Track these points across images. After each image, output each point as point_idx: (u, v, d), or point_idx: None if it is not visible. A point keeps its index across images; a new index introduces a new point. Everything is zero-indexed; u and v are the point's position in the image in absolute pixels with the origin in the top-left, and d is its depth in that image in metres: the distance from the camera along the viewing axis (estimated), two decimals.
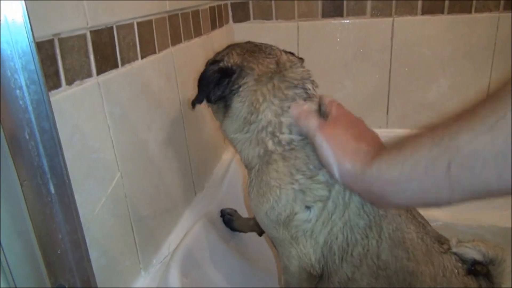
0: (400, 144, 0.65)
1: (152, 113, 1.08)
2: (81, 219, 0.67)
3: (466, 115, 0.55)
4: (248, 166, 0.96)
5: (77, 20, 0.78)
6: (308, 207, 0.87)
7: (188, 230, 1.16)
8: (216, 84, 0.94)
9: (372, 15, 1.74)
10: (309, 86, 0.94)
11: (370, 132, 0.82)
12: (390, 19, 1.72)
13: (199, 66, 1.43)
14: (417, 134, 0.63)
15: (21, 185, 0.56)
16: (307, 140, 0.86)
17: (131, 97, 0.97)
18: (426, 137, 0.60)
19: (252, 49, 0.99)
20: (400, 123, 1.86)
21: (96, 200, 0.84)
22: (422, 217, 0.95)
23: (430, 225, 0.95)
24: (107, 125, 0.88)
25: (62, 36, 0.73)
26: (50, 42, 0.71)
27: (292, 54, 1.03)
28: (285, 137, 0.88)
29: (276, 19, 1.82)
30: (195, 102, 0.99)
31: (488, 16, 1.65)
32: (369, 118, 2.02)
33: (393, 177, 0.65)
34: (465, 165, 0.53)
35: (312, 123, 0.82)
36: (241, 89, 0.92)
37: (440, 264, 0.89)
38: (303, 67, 0.98)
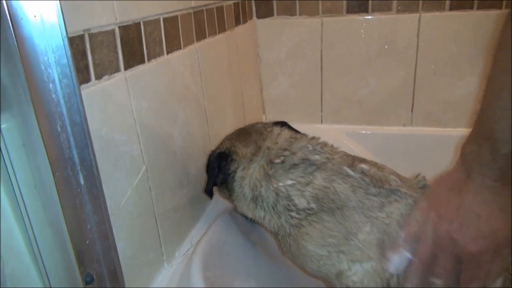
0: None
1: (177, 107, 1.09)
2: (108, 211, 0.69)
3: None
4: (278, 233, 0.96)
5: (106, 16, 0.79)
6: (353, 262, 0.85)
7: (211, 224, 1.17)
8: (219, 168, 1.02)
9: (398, 11, 1.71)
10: (303, 155, 0.94)
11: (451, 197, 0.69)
12: (417, 15, 1.69)
13: (223, 62, 1.44)
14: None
15: (54, 176, 0.57)
16: (324, 207, 0.87)
17: (157, 92, 0.99)
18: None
19: (241, 132, 1.06)
20: (425, 121, 1.82)
21: (123, 192, 0.86)
22: None
23: None
24: (134, 119, 0.89)
25: (92, 31, 0.75)
26: (81, 37, 0.72)
27: (283, 124, 1.07)
28: (302, 206, 0.89)
29: (300, 15, 1.81)
30: (208, 189, 1.06)
31: None
32: (393, 116, 1.99)
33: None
34: None
35: None
36: (236, 175, 0.99)
37: None
38: (292, 136, 1.00)
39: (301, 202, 0.89)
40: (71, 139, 0.60)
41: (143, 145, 0.92)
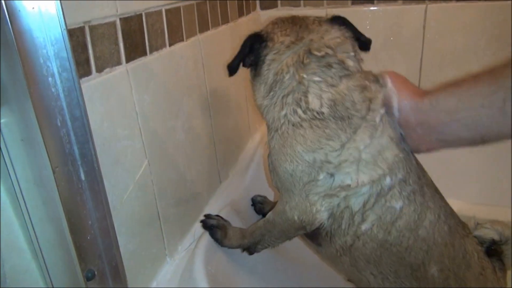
0: (456, 82, 0.75)
1: (179, 101, 1.08)
2: (110, 206, 0.68)
3: None
4: (270, 126, 0.96)
5: (107, 8, 0.77)
6: (331, 175, 0.87)
7: None
8: (250, 49, 0.98)
9: (404, 2, 1.68)
10: (343, 57, 0.91)
11: None
12: (423, 5, 1.66)
13: (226, 54, 1.42)
14: (474, 75, 0.72)
15: (54, 172, 0.56)
16: (337, 113, 0.86)
17: (159, 85, 0.97)
18: (484, 76, 0.70)
19: (285, 19, 1.00)
20: None
21: (124, 187, 0.85)
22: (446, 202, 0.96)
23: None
24: (136, 112, 0.88)
25: (93, 23, 0.73)
26: (81, 29, 0.71)
27: (335, 20, 1.00)
28: (314, 107, 0.87)
29: (304, 6, 1.78)
30: (232, 65, 1.01)
31: None
32: None
33: (450, 106, 0.74)
34: None
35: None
36: (267, 57, 0.95)
37: (461, 247, 0.90)
38: (341, 37, 0.94)
39: (315, 103, 0.87)
40: (71, 134, 0.59)
41: (145, 139, 0.91)
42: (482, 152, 1.60)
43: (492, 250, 0.94)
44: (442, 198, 0.93)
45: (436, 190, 0.92)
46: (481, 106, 0.68)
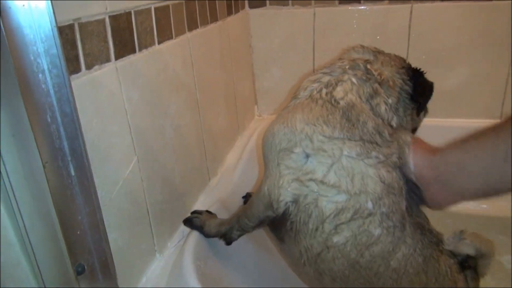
0: (465, 137, 0.81)
1: (168, 98, 1.09)
2: (99, 201, 0.69)
3: None
4: (296, 92, 1.02)
5: (96, 5, 0.78)
6: (307, 155, 0.88)
7: None
8: None
9: (390, 2, 1.71)
10: (381, 98, 0.95)
11: None
12: (409, 5, 1.69)
13: (215, 53, 1.43)
14: (481, 130, 0.77)
15: (44, 167, 0.57)
16: (349, 112, 0.90)
17: (148, 82, 0.98)
18: (488, 130, 0.75)
19: (383, 53, 1.10)
20: None
21: (114, 183, 0.86)
22: (425, 217, 0.96)
23: (429, 224, 0.96)
24: (125, 109, 0.89)
25: (82, 21, 0.74)
26: (71, 27, 0.72)
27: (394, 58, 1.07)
28: (336, 95, 0.93)
29: (293, 5, 1.80)
30: None
31: (510, 3, 1.60)
32: None
33: (458, 159, 0.80)
34: None
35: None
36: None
37: (434, 271, 0.90)
38: (395, 86, 0.99)
39: (339, 92, 0.93)
40: (61, 129, 0.60)
41: (134, 136, 0.92)
42: None
43: (467, 264, 0.95)
44: (423, 233, 0.92)
45: (419, 228, 0.92)
46: (487, 157, 0.74)
